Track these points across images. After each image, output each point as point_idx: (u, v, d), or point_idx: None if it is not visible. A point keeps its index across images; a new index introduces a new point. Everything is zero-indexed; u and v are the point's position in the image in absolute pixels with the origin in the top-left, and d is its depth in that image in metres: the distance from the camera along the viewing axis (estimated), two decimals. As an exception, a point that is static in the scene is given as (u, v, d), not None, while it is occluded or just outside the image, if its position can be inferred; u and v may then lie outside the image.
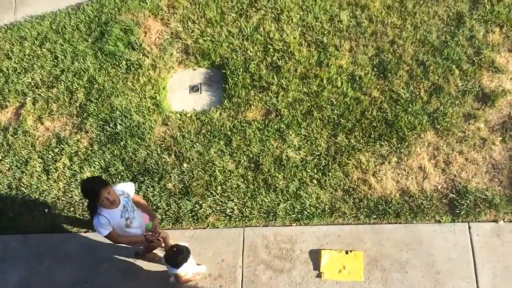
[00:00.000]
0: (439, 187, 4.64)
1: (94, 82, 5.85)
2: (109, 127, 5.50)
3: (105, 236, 3.69)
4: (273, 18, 5.84)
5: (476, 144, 4.75)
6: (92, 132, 5.55)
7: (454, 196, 4.55)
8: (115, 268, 4.80)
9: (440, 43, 5.29)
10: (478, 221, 4.44)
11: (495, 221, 4.42)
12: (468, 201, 4.48)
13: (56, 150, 5.50)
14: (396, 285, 4.28)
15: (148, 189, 5.07)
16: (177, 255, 3.91)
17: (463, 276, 4.20)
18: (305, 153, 4.98)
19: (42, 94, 5.93)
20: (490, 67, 5.05)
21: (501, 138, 4.73)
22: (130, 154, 5.30)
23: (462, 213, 4.45)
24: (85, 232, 5.05)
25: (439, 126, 4.85)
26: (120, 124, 5.47)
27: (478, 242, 4.34)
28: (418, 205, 4.58)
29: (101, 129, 5.54)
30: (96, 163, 5.33)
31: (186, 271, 4.10)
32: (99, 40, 6.18)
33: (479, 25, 5.28)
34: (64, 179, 5.35)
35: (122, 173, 5.21)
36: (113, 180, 5.16)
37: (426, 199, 4.59)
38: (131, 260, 4.77)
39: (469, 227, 4.40)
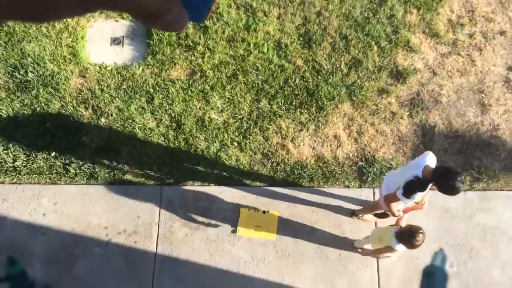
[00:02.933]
0: (351, 155, 4.95)
1: (3, 25, 5.33)
2: (19, 74, 5.09)
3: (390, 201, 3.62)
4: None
5: (386, 117, 5.11)
6: (0, 78, 5.10)
7: (363, 164, 4.89)
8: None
9: (363, 19, 5.53)
10: (382, 188, 4.83)
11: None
12: (375, 169, 4.84)
13: (-45, 95, 5.00)
14: (304, 243, 4.56)
15: (61, 142, 4.82)
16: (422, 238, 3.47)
17: (364, 235, 4.58)
18: (227, 116, 5.03)
19: None
20: (405, 46, 5.40)
21: (408, 113, 5.13)
22: (43, 104, 4.97)
23: (369, 179, 4.82)
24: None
25: (355, 98, 5.13)
26: (31, 71, 5.07)
27: (380, 206, 4.74)
28: (330, 170, 4.86)
29: (9, 76, 5.10)
30: (4, 111, 4.94)
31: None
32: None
33: (399, 5, 5.59)
34: (-35, 127, 4.90)
35: (32, 123, 4.88)
36: (22, 130, 4.83)
37: (338, 165, 4.88)
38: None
39: (374, 192, 4.79)
